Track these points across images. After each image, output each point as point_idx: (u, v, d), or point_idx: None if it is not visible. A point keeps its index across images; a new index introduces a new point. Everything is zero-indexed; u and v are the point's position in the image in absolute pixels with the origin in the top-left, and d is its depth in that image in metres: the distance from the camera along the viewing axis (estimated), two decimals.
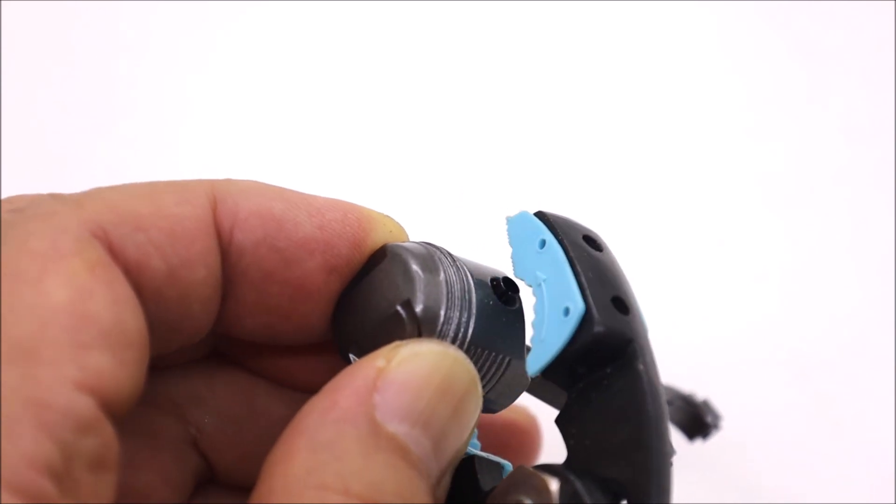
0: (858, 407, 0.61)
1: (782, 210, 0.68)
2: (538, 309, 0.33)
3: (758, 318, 0.64)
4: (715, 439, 0.52)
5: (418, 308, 0.34)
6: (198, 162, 0.66)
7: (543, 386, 0.38)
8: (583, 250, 0.33)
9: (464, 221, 0.66)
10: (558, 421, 0.33)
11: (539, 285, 0.33)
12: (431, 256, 0.35)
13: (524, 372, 0.35)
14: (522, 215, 0.35)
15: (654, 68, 0.72)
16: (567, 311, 0.32)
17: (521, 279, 0.34)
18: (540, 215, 0.35)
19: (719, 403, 0.50)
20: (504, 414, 0.42)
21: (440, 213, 0.66)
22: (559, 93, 0.71)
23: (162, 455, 0.37)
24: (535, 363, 0.32)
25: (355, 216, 0.35)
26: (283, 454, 0.30)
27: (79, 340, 0.28)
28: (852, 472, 0.59)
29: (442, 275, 0.34)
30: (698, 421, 0.44)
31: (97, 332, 0.28)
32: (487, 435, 0.40)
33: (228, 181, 0.34)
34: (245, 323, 0.36)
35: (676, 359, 0.62)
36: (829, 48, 0.72)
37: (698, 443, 0.45)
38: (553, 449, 0.41)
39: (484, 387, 0.35)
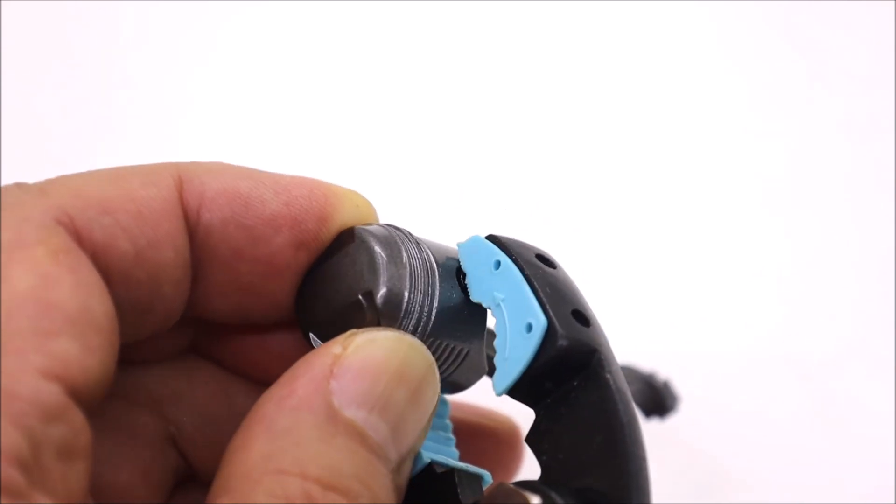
0: (858, 407, 0.61)
1: (782, 210, 0.68)
2: (499, 329, 0.33)
3: (758, 318, 0.64)
4: (715, 440, 0.52)
5: (380, 299, 0.34)
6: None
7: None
8: (537, 268, 0.33)
9: (449, 211, 0.66)
10: (529, 440, 0.33)
11: (498, 305, 0.33)
12: (398, 244, 0.35)
13: (483, 362, 0.36)
14: (474, 240, 0.35)
15: (653, 69, 0.72)
16: (529, 328, 0.32)
17: (479, 301, 0.34)
18: (492, 238, 0.35)
19: (719, 404, 0.50)
20: (484, 422, 0.43)
21: (426, 203, 0.66)
22: (559, 94, 0.71)
23: (142, 452, 0.37)
24: (501, 382, 0.33)
25: (322, 192, 0.35)
26: (241, 442, 0.31)
27: (43, 328, 0.28)
28: (852, 472, 0.59)
29: (406, 264, 0.34)
30: (657, 402, 0.44)
31: (62, 318, 0.28)
32: (466, 443, 0.40)
33: (195, 163, 0.35)
34: (216, 303, 0.36)
35: (676, 359, 0.62)
36: (829, 48, 0.72)
37: (655, 421, 0.45)
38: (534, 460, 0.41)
39: (443, 374, 0.35)
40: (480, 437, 0.43)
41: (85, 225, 0.31)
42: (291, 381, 0.32)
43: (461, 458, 0.36)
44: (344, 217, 0.36)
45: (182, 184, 0.34)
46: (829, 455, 0.60)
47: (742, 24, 0.73)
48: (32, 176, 0.32)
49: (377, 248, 0.34)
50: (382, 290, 0.34)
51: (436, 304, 0.35)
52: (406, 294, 0.34)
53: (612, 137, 0.70)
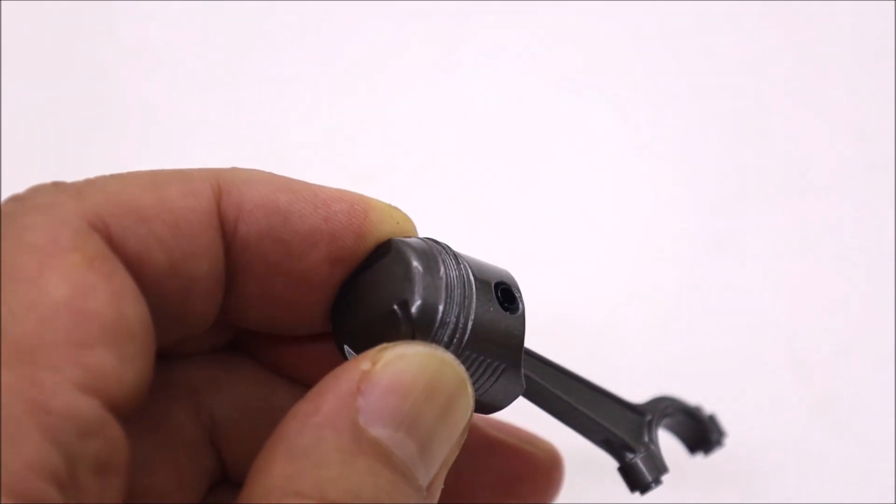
0: (858, 407, 0.61)
1: (783, 210, 0.68)
2: None
3: (758, 318, 0.64)
4: None
5: (415, 310, 0.33)
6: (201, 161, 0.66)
7: (541, 392, 0.38)
8: None
9: (470, 222, 0.66)
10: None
11: None
12: (435, 256, 0.34)
13: (520, 379, 0.35)
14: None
15: (652, 69, 0.72)
16: None
17: None
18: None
19: (720, 404, 0.50)
20: (524, 446, 0.42)
21: (447, 213, 0.66)
22: (561, 95, 0.71)
23: (178, 454, 0.37)
24: None
25: (362, 207, 0.35)
26: (263, 461, 0.30)
27: (79, 339, 0.27)
28: (852, 472, 0.59)
29: (443, 276, 0.34)
30: (702, 436, 0.44)
31: (98, 328, 0.28)
32: (502, 464, 0.40)
33: (233, 170, 0.34)
34: (249, 314, 0.36)
35: (677, 360, 0.62)
36: (829, 48, 0.72)
37: (699, 457, 0.45)
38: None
39: (477, 391, 0.35)
40: (517, 460, 0.42)
41: (120, 233, 0.30)
42: (317, 397, 0.31)
43: (495, 479, 0.37)
44: (383, 234, 0.35)
45: (220, 194, 0.33)
46: (829, 455, 0.60)
47: (741, 24, 0.73)
48: (33, 177, 0.32)
49: (414, 260, 0.34)
50: (417, 301, 0.33)
51: (472, 318, 0.34)
52: (441, 306, 0.34)
53: (612, 138, 0.70)
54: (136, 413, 0.29)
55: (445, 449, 0.32)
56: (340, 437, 0.30)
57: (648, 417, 0.41)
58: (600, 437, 0.40)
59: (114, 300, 0.29)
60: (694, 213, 0.68)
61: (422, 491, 0.31)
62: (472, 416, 0.33)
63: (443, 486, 0.32)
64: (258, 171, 0.34)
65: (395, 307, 0.34)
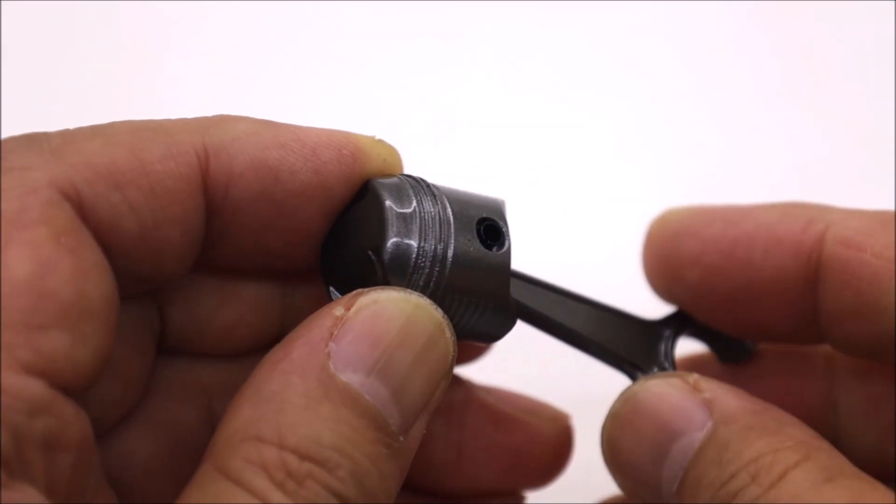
0: None
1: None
2: None
3: None
4: None
5: (386, 254, 0.33)
6: None
7: (540, 319, 0.38)
8: None
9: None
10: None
11: None
12: (410, 197, 0.34)
13: (509, 313, 0.35)
14: None
15: (651, 68, 0.72)
16: None
17: None
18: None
19: None
20: (528, 418, 0.42)
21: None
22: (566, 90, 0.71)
23: (186, 460, 0.36)
24: None
25: (349, 150, 0.35)
26: (231, 408, 0.30)
27: (34, 322, 0.28)
28: None
29: (417, 218, 0.34)
30: (732, 345, 0.42)
31: (55, 309, 0.28)
32: (502, 441, 0.40)
33: (219, 125, 0.33)
34: (241, 264, 0.36)
35: None
36: (829, 48, 0.72)
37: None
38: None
39: (465, 326, 0.35)
40: (522, 434, 0.42)
41: (92, 200, 0.30)
42: (289, 343, 0.31)
43: (498, 455, 0.38)
44: (370, 174, 0.35)
45: (208, 157, 0.33)
46: None
47: (741, 23, 0.73)
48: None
49: (387, 203, 0.34)
50: (389, 246, 0.33)
51: (449, 259, 0.34)
52: (414, 251, 0.33)
53: (612, 138, 0.70)
54: (89, 389, 0.30)
55: (423, 394, 0.32)
56: (307, 383, 0.30)
57: (667, 333, 0.40)
58: (610, 360, 0.39)
59: (76, 278, 0.29)
60: None
61: (396, 437, 0.31)
62: (453, 359, 0.33)
63: (424, 432, 0.33)
64: (242, 119, 0.34)
65: (370, 253, 0.34)
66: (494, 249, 0.35)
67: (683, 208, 0.40)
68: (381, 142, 0.36)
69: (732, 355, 0.42)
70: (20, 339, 0.27)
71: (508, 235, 0.35)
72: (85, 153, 0.31)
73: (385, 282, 0.33)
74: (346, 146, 0.35)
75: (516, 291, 0.37)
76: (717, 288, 0.39)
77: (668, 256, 0.40)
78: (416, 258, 0.34)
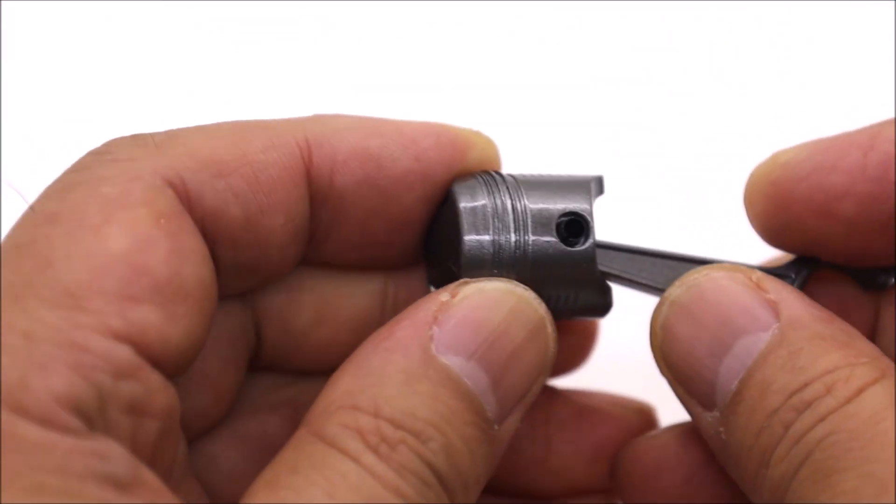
0: None
1: None
2: None
3: None
4: None
5: (462, 252, 0.34)
6: None
7: (642, 287, 0.38)
8: None
9: None
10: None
11: None
12: (486, 195, 0.35)
13: (603, 300, 0.36)
14: None
15: (651, 68, 0.72)
16: None
17: None
18: None
19: None
20: (613, 409, 0.42)
21: None
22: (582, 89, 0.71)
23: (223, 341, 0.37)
24: None
25: (448, 138, 0.36)
26: (333, 378, 0.31)
27: (128, 293, 0.29)
28: None
29: (491, 217, 0.34)
30: (870, 275, 0.40)
31: (150, 285, 0.29)
32: (590, 432, 0.40)
33: (319, 121, 0.35)
34: (347, 257, 0.37)
35: None
36: (829, 48, 0.72)
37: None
38: None
39: (557, 315, 0.35)
40: (609, 425, 0.42)
41: (196, 188, 0.31)
42: (394, 324, 0.32)
43: (587, 447, 0.38)
44: (471, 164, 0.36)
45: (310, 148, 0.34)
46: None
47: (739, 23, 0.73)
48: (35, 177, 0.32)
49: (461, 203, 0.34)
50: (464, 243, 0.34)
51: (531, 255, 0.34)
52: (488, 243, 0.34)
53: (613, 139, 0.70)
54: (185, 370, 0.31)
55: (521, 386, 0.33)
56: (408, 361, 0.31)
57: (791, 277, 0.38)
58: None
59: (172, 258, 0.30)
60: (694, 215, 0.68)
61: (492, 424, 0.32)
62: (553, 356, 0.34)
63: (518, 426, 0.33)
64: (341, 116, 0.35)
65: (450, 264, 0.35)
66: (578, 245, 0.35)
67: (794, 148, 0.37)
68: (478, 133, 0.37)
69: (876, 283, 0.40)
70: (112, 308, 0.28)
71: (592, 228, 0.35)
72: (188, 146, 0.32)
73: (460, 277, 0.34)
74: (445, 135, 0.36)
75: (616, 264, 0.37)
76: (877, 215, 0.36)
77: (806, 198, 0.36)
78: (494, 253, 0.34)
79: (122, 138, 0.32)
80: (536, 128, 0.68)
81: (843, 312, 0.35)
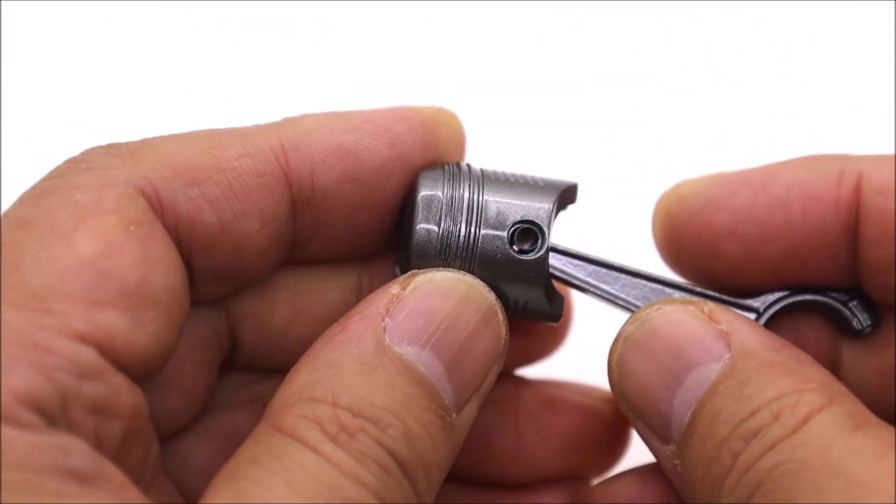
0: None
1: None
2: None
3: None
4: None
5: (413, 239, 0.34)
6: None
7: (600, 297, 0.38)
8: None
9: None
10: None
11: None
12: (446, 186, 0.35)
13: (551, 307, 0.36)
14: None
15: (650, 68, 0.72)
16: None
17: None
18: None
19: None
20: (583, 399, 0.42)
21: None
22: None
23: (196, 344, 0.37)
24: None
25: (419, 121, 0.36)
26: (289, 375, 0.32)
27: (94, 297, 0.29)
28: None
29: (446, 208, 0.35)
30: (842, 320, 0.39)
31: (116, 290, 0.30)
32: (560, 423, 0.40)
33: (291, 123, 0.35)
34: (331, 253, 0.37)
35: None
36: (829, 48, 0.72)
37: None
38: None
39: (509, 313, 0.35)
40: (579, 415, 0.42)
41: (169, 196, 0.32)
42: (347, 318, 0.33)
43: (557, 437, 0.38)
44: (443, 141, 0.36)
45: (286, 152, 0.34)
46: None
47: (740, 23, 0.73)
48: (35, 177, 0.33)
49: (419, 195, 0.35)
50: (413, 244, 0.35)
51: (478, 254, 0.35)
52: (437, 233, 0.35)
53: (611, 140, 0.70)
54: (154, 375, 0.31)
55: (476, 374, 0.33)
56: (363, 351, 0.31)
57: (757, 310, 0.38)
58: None
59: (140, 265, 0.30)
60: None
61: (450, 412, 0.32)
62: (505, 342, 0.34)
63: (476, 415, 0.33)
64: (310, 115, 0.36)
65: (407, 247, 0.35)
66: (530, 254, 0.35)
67: (695, 180, 0.38)
68: (441, 109, 0.37)
69: (852, 330, 0.39)
70: (77, 311, 0.29)
71: (547, 238, 0.35)
72: (162, 154, 0.32)
73: (411, 262, 0.35)
74: (413, 118, 0.36)
75: (580, 273, 0.37)
76: (758, 256, 0.37)
77: (694, 233, 0.38)
78: (442, 243, 0.35)
79: (98, 147, 0.33)
80: (536, 127, 0.68)
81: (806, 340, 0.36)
